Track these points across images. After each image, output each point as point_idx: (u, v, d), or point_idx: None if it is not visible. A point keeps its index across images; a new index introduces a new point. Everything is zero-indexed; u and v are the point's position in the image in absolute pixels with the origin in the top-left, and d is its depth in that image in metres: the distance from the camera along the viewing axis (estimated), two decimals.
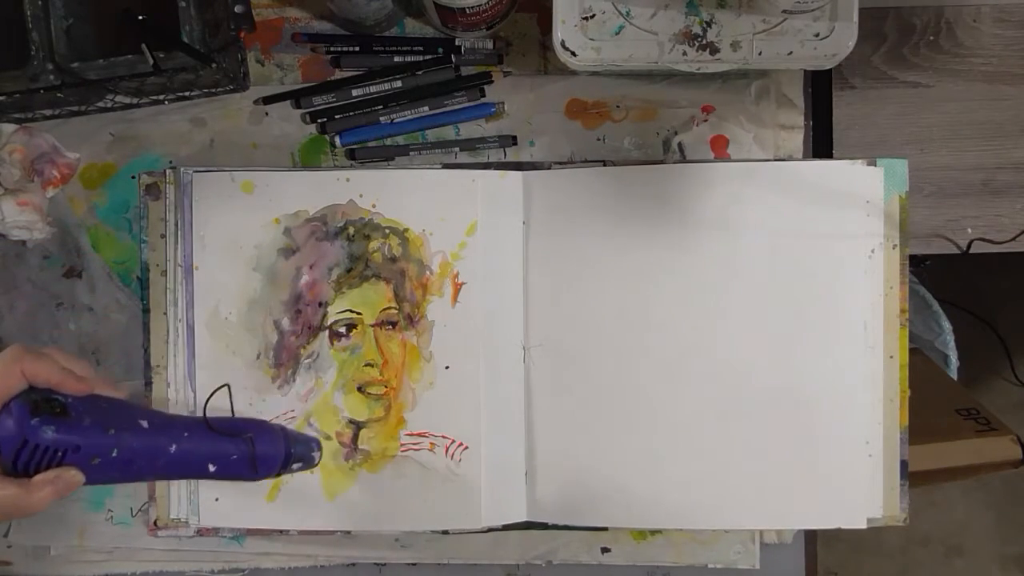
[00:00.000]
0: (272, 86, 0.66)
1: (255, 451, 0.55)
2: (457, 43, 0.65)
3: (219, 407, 0.59)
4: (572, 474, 0.63)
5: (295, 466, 0.59)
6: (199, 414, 0.57)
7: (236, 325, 0.63)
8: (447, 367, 0.64)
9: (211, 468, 0.54)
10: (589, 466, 0.63)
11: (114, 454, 0.48)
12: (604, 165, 0.65)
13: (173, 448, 0.52)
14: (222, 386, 0.59)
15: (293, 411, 0.64)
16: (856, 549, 1.45)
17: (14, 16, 0.57)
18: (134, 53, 0.56)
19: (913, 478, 0.63)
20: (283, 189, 0.64)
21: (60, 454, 0.47)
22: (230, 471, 0.56)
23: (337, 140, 0.65)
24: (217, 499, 0.64)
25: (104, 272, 0.65)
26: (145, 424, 0.51)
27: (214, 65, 0.58)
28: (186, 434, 0.53)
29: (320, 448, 0.62)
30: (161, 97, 0.65)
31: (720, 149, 0.65)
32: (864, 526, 0.62)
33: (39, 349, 0.48)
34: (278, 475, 0.59)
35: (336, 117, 0.65)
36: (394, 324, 0.64)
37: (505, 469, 0.64)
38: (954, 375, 1.08)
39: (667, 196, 0.63)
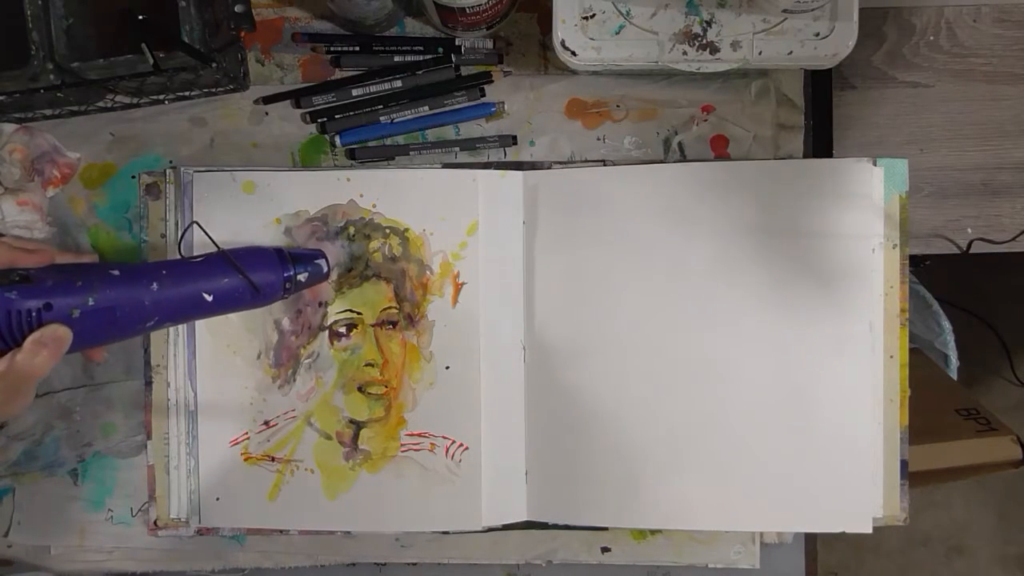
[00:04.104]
0: (272, 86, 0.66)
1: (244, 270, 0.54)
2: (457, 43, 0.65)
3: None
4: (572, 474, 0.63)
5: (301, 278, 0.57)
6: (194, 380, 0.56)
7: (237, 325, 0.63)
8: (447, 367, 0.64)
9: (208, 299, 0.53)
10: (589, 466, 0.63)
11: (91, 303, 0.49)
12: (604, 165, 0.65)
13: (155, 287, 0.51)
14: (190, 224, 0.59)
15: (294, 410, 0.64)
16: (856, 549, 1.45)
17: (14, 16, 0.57)
18: (134, 53, 0.56)
19: (913, 478, 0.63)
20: (284, 189, 0.64)
21: (35, 315, 0.47)
22: (232, 299, 0.54)
23: (337, 140, 0.65)
24: (217, 499, 0.64)
25: None
26: (116, 272, 0.51)
27: (214, 65, 0.58)
28: (164, 272, 0.52)
29: (325, 258, 0.59)
30: (161, 97, 0.65)
31: (720, 149, 0.65)
32: (870, 530, 0.62)
33: None
34: (287, 292, 0.57)
35: (336, 117, 0.65)
36: (394, 324, 0.64)
37: (505, 469, 0.64)
38: (954, 375, 1.08)
39: (667, 196, 0.63)
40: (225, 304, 0.54)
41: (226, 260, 0.54)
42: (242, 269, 0.54)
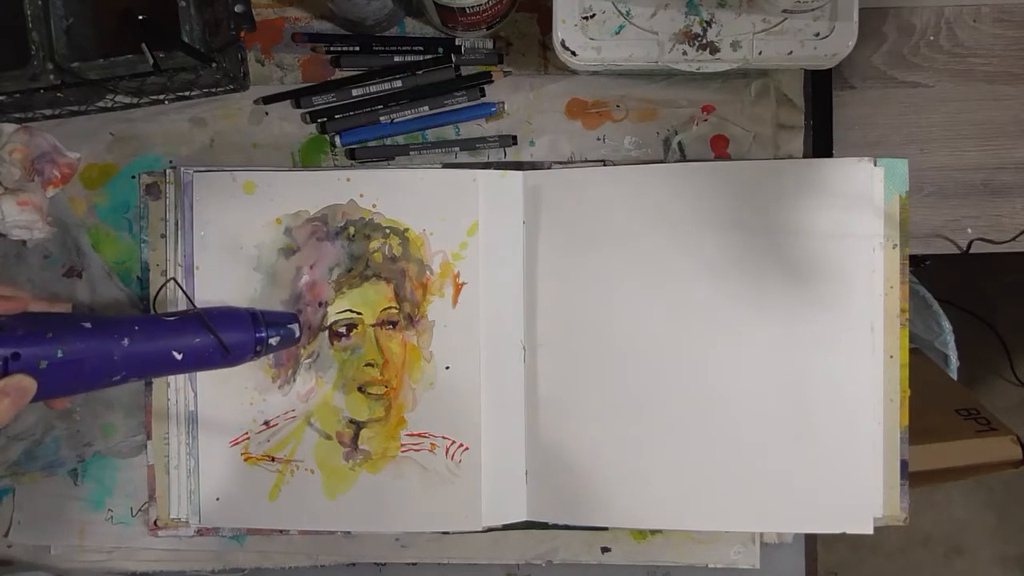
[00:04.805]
0: (272, 86, 0.66)
1: (216, 330, 0.54)
2: (457, 43, 0.65)
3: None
4: (572, 474, 0.63)
5: (273, 342, 0.57)
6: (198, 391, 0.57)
7: None
8: (447, 367, 0.64)
9: (177, 357, 0.53)
10: (589, 466, 0.63)
11: (59, 355, 0.49)
12: (604, 165, 0.65)
13: (126, 342, 0.51)
14: (168, 280, 0.59)
15: (294, 411, 0.64)
16: (856, 549, 1.45)
17: (14, 16, 0.57)
18: (134, 53, 0.56)
19: (913, 478, 0.63)
20: (284, 189, 0.64)
21: (1, 364, 0.47)
22: (202, 359, 0.54)
23: (337, 140, 0.65)
24: (217, 499, 0.64)
25: (104, 272, 0.65)
26: (88, 325, 0.51)
27: (214, 65, 0.58)
28: (136, 327, 0.52)
29: (298, 321, 0.60)
30: (161, 97, 0.65)
31: (720, 149, 0.65)
32: (871, 531, 0.62)
33: None
34: (257, 355, 0.57)
35: (336, 117, 0.65)
36: (394, 324, 0.64)
37: (505, 469, 0.64)
38: (954, 375, 1.08)
39: (667, 196, 0.63)
40: (194, 363, 0.55)
41: (200, 321, 0.54)
42: (215, 330, 0.54)
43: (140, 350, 0.52)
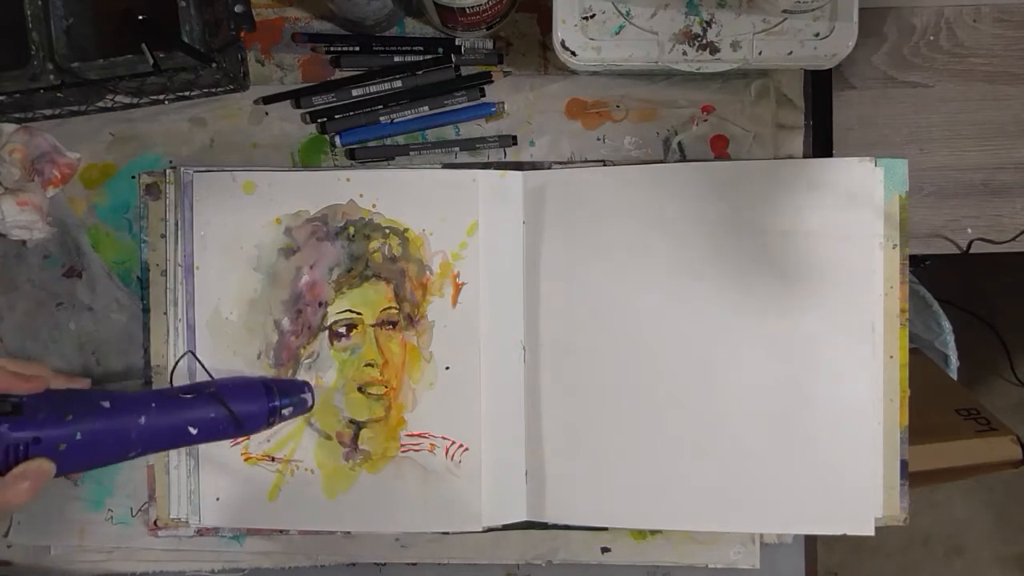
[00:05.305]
0: (272, 86, 0.66)
1: (230, 405, 0.55)
2: (457, 43, 0.65)
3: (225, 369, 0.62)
4: (573, 474, 0.63)
5: (286, 412, 0.59)
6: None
7: (237, 325, 0.63)
8: (447, 367, 0.64)
9: (192, 431, 0.54)
10: (589, 466, 0.63)
11: (78, 437, 0.50)
12: (604, 165, 0.65)
13: (143, 420, 0.52)
14: (184, 354, 0.61)
15: None
16: (856, 549, 1.45)
17: (14, 16, 0.57)
18: (134, 53, 0.56)
19: (913, 478, 0.63)
20: (284, 189, 0.64)
21: (23, 448, 0.48)
22: (216, 431, 0.56)
23: (337, 140, 0.65)
24: (218, 499, 0.64)
25: (104, 272, 0.65)
26: (107, 404, 0.51)
27: (214, 65, 0.58)
28: (153, 405, 0.53)
29: (311, 390, 0.61)
30: (161, 97, 0.65)
31: (720, 149, 0.65)
32: (872, 532, 0.61)
33: None
34: (270, 425, 0.58)
35: (336, 117, 0.65)
36: (394, 324, 0.64)
37: (505, 469, 0.64)
38: (954, 375, 1.08)
39: (667, 196, 0.63)
40: (208, 436, 0.56)
41: (217, 398, 0.55)
42: (231, 408, 0.55)
43: (156, 427, 0.53)
